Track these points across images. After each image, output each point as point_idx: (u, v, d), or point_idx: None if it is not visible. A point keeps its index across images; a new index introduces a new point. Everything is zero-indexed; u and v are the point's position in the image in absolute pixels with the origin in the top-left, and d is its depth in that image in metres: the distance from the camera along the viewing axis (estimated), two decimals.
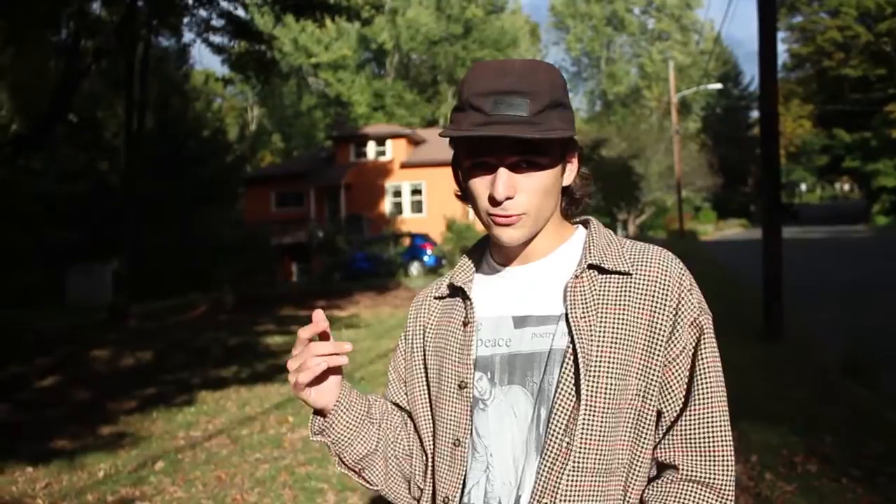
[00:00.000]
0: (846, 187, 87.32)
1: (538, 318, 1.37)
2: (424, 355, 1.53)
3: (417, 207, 36.65)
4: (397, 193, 37.09)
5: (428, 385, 1.51)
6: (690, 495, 1.31)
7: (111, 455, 6.95)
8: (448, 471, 1.41)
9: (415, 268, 27.23)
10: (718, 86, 50.56)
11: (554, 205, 1.38)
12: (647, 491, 1.34)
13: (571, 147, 1.40)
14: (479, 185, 1.34)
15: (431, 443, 1.48)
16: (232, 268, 22.89)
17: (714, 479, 1.31)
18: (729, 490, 1.32)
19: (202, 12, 19.50)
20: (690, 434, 1.33)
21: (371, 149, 37.35)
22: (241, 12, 19.95)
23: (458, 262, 1.53)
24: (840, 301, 12.74)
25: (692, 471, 1.32)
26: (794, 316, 10.36)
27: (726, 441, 1.33)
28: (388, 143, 37.25)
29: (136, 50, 18.69)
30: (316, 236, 31.26)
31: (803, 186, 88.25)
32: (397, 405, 1.57)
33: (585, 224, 1.49)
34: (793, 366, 8.16)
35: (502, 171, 1.30)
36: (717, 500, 1.31)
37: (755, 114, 60.76)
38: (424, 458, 1.52)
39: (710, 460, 1.32)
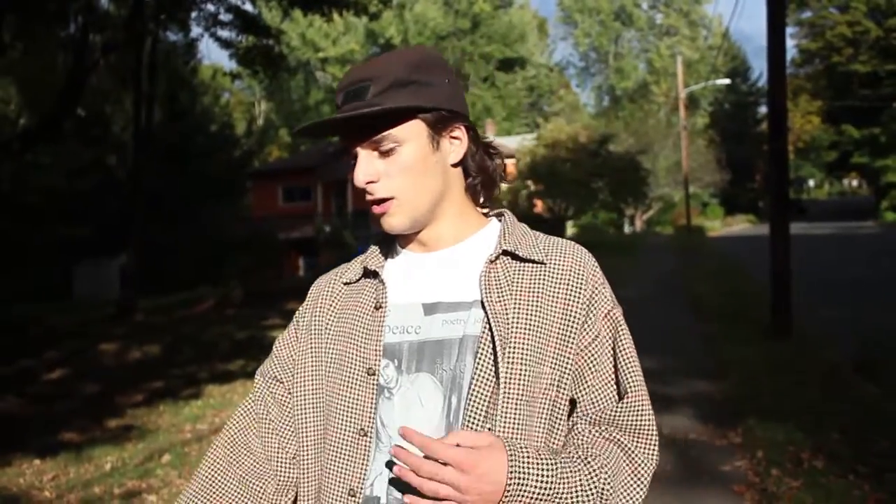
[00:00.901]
0: (854, 183, 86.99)
1: (448, 305, 1.34)
2: (320, 340, 1.44)
3: None
4: None
5: (315, 372, 1.43)
6: (611, 451, 1.30)
7: (118, 448, 6.97)
8: (350, 461, 1.32)
9: None
10: (727, 81, 50.26)
11: (434, 187, 1.34)
12: (571, 436, 1.33)
13: (449, 121, 1.35)
14: (351, 175, 1.34)
15: (312, 431, 1.40)
16: (239, 262, 22.94)
17: (636, 451, 1.32)
18: (647, 466, 1.32)
19: (210, 7, 19.51)
20: (624, 422, 1.33)
21: None
22: (248, 7, 19.96)
23: (370, 249, 1.49)
24: (848, 298, 12.71)
25: (621, 440, 1.32)
26: (802, 312, 10.32)
27: (653, 424, 1.34)
28: None
29: (144, 45, 18.72)
30: (323, 231, 31.30)
31: (811, 182, 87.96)
32: (277, 379, 1.48)
33: (500, 217, 1.46)
34: (800, 362, 8.13)
35: (360, 156, 1.32)
36: (630, 468, 1.30)
37: (763, 109, 60.53)
38: (301, 447, 1.42)
39: (636, 439, 1.32)
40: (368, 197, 1.34)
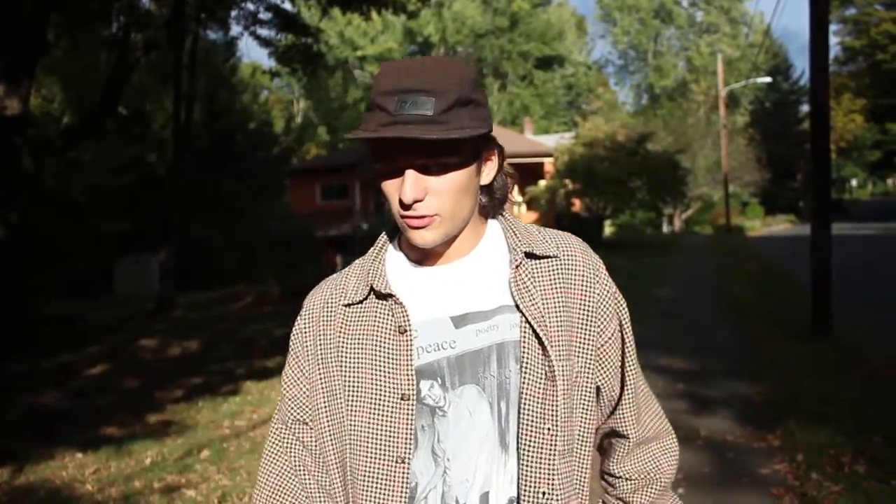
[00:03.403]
0: None
1: (478, 314, 1.33)
2: (331, 370, 1.38)
3: None
4: None
5: (328, 404, 1.37)
6: (655, 451, 1.51)
7: (158, 443, 7.05)
8: (386, 490, 1.30)
9: None
10: (768, 79, 49.71)
11: (471, 205, 1.33)
12: (614, 466, 1.51)
13: (489, 145, 1.35)
14: (390, 187, 1.31)
15: (335, 464, 1.37)
16: (277, 260, 23.08)
17: (661, 430, 1.52)
18: (675, 447, 1.54)
19: (250, 5, 19.71)
20: (634, 405, 1.46)
21: None
22: (287, 6, 20.12)
23: (363, 265, 1.43)
24: (890, 299, 12.50)
25: (644, 432, 1.49)
26: (843, 314, 10.19)
27: (656, 403, 1.54)
28: None
29: (185, 43, 18.92)
30: (361, 229, 31.40)
31: (854, 182, 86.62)
32: (301, 422, 1.42)
33: (494, 216, 1.45)
34: (841, 364, 8.03)
35: (409, 174, 1.26)
36: (671, 443, 1.53)
37: (805, 108, 59.77)
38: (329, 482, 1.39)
39: (652, 421, 1.51)
40: (409, 213, 1.29)
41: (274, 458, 1.44)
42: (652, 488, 1.49)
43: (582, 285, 1.36)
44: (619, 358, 1.41)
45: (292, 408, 1.43)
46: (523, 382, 1.29)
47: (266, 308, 17.77)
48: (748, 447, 5.67)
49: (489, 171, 1.37)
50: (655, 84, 72.42)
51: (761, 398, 7.06)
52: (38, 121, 25.83)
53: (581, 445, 1.34)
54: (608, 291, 1.39)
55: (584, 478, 1.35)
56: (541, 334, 1.29)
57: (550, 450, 1.28)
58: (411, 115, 1.22)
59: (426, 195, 1.28)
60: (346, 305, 1.40)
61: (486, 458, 1.30)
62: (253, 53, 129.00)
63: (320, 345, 1.41)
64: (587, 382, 1.35)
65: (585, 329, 1.35)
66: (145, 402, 8.90)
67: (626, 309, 1.44)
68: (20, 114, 12.54)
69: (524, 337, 1.30)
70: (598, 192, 29.52)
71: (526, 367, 1.29)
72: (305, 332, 1.45)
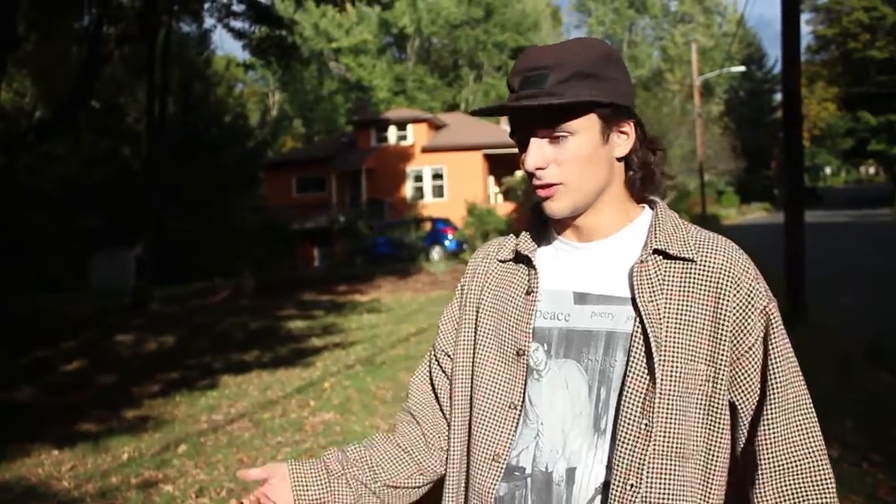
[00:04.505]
0: (871, 171, 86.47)
1: (598, 297, 1.39)
2: (478, 314, 1.53)
3: (438, 192, 36.63)
4: (418, 178, 37.07)
5: (475, 343, 1.52)
6: (798, 479, 1.33)
7: (135, 438, 7.03)
8: (497, 430, 1.42)
9: (436, 252, 27.24)
10: (742, 68, 49.94)
11: (601, 175, 1.38)
12: (752, 494, 1.36)
13: (620, 118, 1.38)
14: (522, 158, 1.38)
15: (459, 400, 1.52)
16: (253, 253, 23.01)
17: (812, 467, 1.34)
18: (828, 474, 1.34)
19: None
20: (778, 425, 1.34)
21: (392, 133, 37.32)
22: None
23: (524, 231, 1.54)
24: (863, 286, 12.64)
25: (785, 457, 1.34)
26: (817, 301, 10.29)
27: (813, 425, 1.36)
28: (409, 127, 37.21)
29: (158, 36, 18.75)
30: (337, 221, 31.32)
31: (828, 170, 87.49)
32: (447, 354, 1.59)
33: (652, 205, 1.48)
34: (815, 350, 8.09)
35: (532, 142, 1.35)
36: (818, 486, 1.33)
37: (779, 97, 60.15)
38: (453, 414, 1.54)
39: (803, 448, 1.34)
40: (535, 181, 1.37)
41: (420, 377, 1.66)
42: None
43: (715, 293, 1.34)
44: (758, 374, 1.35)
45: (441, 340, 1.61)
46: (627, 376, 1.32)
47: (242, 301, 17.70)
48: None
49: (623, 144, 1.40)
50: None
51: None
52: (10, 115, 25.58)
53: (699, 456, 1.33)
54: (750, 303, 1.35)
55: (711, 492, 1.33)
56: (650, 333, 1.31)
57: (643, 447, 1.29)
58: (530, 90, 1.32)
59: (549, 164, 1.35)
60: (500, 261, 1.55)
61: (577, 436, 1.35)
62: (227, 46, 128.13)
63: (472, 291, 1.57)
64: (713, 390, 1.33)
65: (715, 338, 1.33)
66: (122, 398, 8.85)
67: (778, 323, 1.38)
68: None
69: (635, 332, 1.33)
70: None
71: (632, 363, 1.32)
72: (465, 276, 1.61)
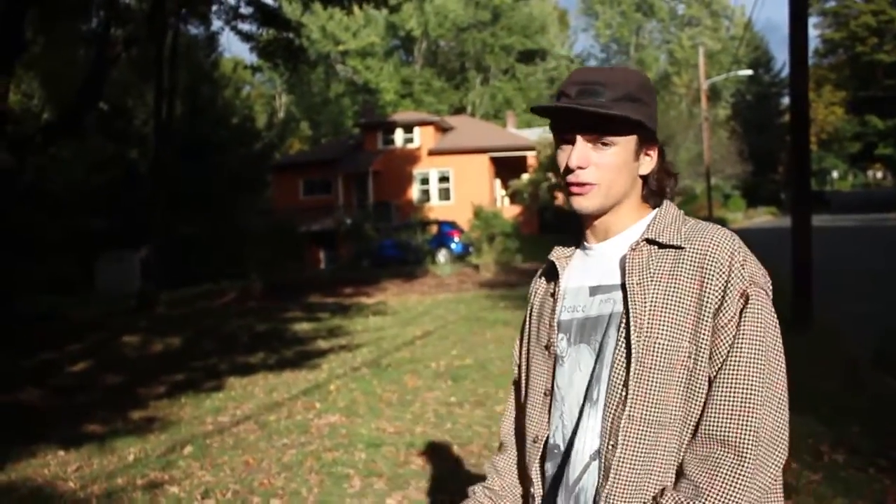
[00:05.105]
0: (879, 175, 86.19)
1: (606, 287, 1.59)
2: (529, 322, 1.81)
3: (445, 195, 36.64)
4: (425, 181, 37.10)
5: (529, 346, 1.78)
6: (707, 452, 1.42)
7: (141, 439, 7.03)
8: (539, 415, 1.69)
9: (442, 255, 27.21)
10: (749, 72, 49.84)
11: (626, 185, 1.58)
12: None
13: (650, 141, 1.59)
14: (561, 156, 1.58)
15: (525, 392, 1.77)
16: (260, 255, 23.02)
17: (729, 435, 1.40)
18: (749, 448, 1.39)
19: (230, 0, 19.61)
20: (716, 394, 1.44)
21: (399, 136, 37.36)
22: (268, 0, 20.02)
23: (556, 247, 1.78)
24: (871, 291, 12.59)
25: (712, 428, 1.43)
26: (823, 305, 10.26)
27: (752, 401, 1.41)
28: (416, 130, 37.24)
29: (166, 38, 18.82)
30: (344, 223, 31.35)
31: (835, 174, 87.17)
32: (517, 363, 1.89)
33: (660, 205, 1.66)
34: (821, 356, 8.08)
35: (579, 141, 1.54)
36: (733, 457, 1.39)
37: (786, 100, 59.99)
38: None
39: (728, 418, 1.41)
40: (572, 178, 1.56)
41: (508, 395, 1.96)
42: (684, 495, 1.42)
43: (700, 275, 1.49)
44: (726, 351, 1.45)
45: (517, 351, 1.90)
46: (614, 351, 1.51)
47: (249, 303, 17.73)
48: None
49: (647, 164, 1.62)
50: None
51: None
52: (18, 117, 25.61)
53: (676, 424, 1.47)
54: (730, 283, 1.47)
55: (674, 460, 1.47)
56: (631, 310, 1.49)
57: (619, 413, 1.47)
58: (587, 100, 1.51)
59: (589, 165, 1.54)
60: (540, 276, 1.83)
61: (581, 408, 1.57)
62: (234, 48, 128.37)
63: (528, 306, 1.85)
64: (694, 366, 1.47)
65: (699, 317, 1.47)
66: (128, 399, 8.86)
67: (757, 308, 1.46)
68: None
69: (624, 312, 1.52)
70: None
71: (618, 340, 1.51)
72: (532, 284, 1.87)
